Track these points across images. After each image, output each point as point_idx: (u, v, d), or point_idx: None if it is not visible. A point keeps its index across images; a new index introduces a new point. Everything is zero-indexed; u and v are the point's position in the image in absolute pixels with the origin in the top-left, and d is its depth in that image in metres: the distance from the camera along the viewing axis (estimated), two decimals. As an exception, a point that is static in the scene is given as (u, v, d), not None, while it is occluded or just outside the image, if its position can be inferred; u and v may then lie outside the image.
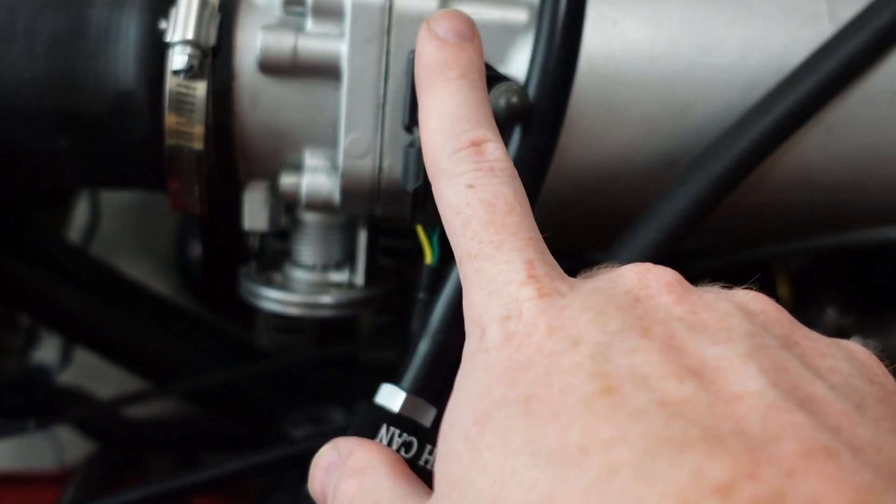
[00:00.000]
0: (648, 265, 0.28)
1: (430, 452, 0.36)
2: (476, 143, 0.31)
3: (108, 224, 1.17)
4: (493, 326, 0.27)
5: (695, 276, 0.52)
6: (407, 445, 0.36)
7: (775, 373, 0.23)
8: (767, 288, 0.60)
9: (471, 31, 0.34)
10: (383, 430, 0.36)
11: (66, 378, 1.03)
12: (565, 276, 0.28)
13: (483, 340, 0.27)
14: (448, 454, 0.26)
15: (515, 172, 0.31)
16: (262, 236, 0.71)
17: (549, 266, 0.28)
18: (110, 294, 0.66)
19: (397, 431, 0.37)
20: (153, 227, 1.30)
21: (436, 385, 0.38)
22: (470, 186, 0.29)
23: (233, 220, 0.52)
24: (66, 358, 1.01)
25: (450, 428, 0.26)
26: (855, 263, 0.63)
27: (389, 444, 0.36)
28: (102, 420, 0.75)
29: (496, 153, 0.31)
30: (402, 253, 0.69)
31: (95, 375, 1.03)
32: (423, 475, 0.36)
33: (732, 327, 0.25)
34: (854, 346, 0.27)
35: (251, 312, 0.89)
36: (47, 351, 1.05)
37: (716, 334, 0.25)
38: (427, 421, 0.37)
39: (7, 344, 0.97)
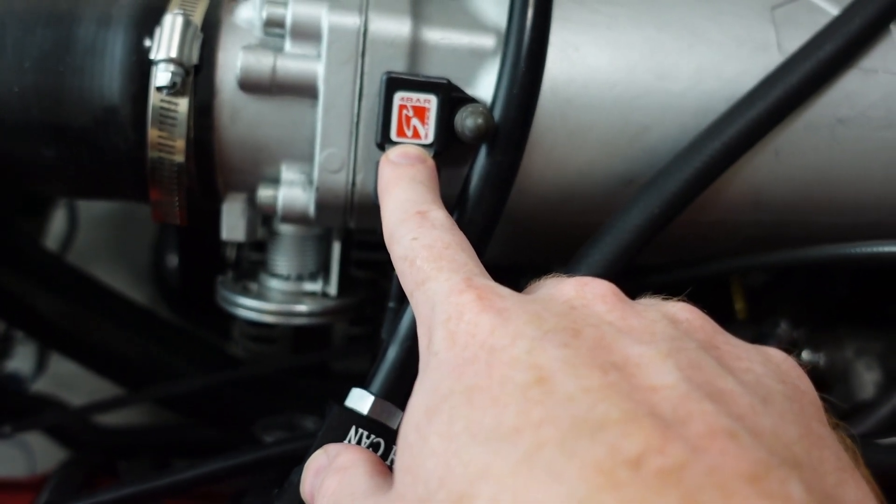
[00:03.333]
0: (587, 279, 0.31)
1: (396, 453, 0.38)
2: (421, 213, 0.36)
3: (85, 234, 1.18)
4: (438, 330, 0.29)
5: (652, 290, 0.54)
6: (375, 446, 0.38)
7: (690, 370, 0.26)
8: (725, 303, 0.63)
9: (419, 155, 0.41)
10: (352, 431, 0.38)
11: (40, 387, 1.03)
12: (505, 288, 0.31)
13: (431, 344, 0.30)
14: (403, 446, 0.28)
15: (457, 228, 0.36)
16: (239, 247, 0.73)
17: (486, 280, 0.31)
18: (87, 300, 0.67)
19: (365, 433, 0.38)
20: (129, 238, 1.31)
21: (403, 389, 0.40)
22: (414, 239, 0.35)
23: (210, 232, 0.54)
24: (40, 366, 1.02)
25: (405, 424, 0.29)
26: (810, 281, 0.66)
27: (358, 444, 0.38)
28: (76, 427, 0.76)
29: (437, 215, 0.36)
30: (373, 264, 0.71)
31: (69, 385, 1.04)
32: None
33: (656, 331, 0.28)
34: (773, 352, 0.30)
35: (226, 323, 0.91)
36: (21, 360, 1.05)
37: (641, 336, 0.28)
38: (394, 423, 0.39)
39: (-21, 351, 0.97)
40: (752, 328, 0.61)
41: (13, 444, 0.95)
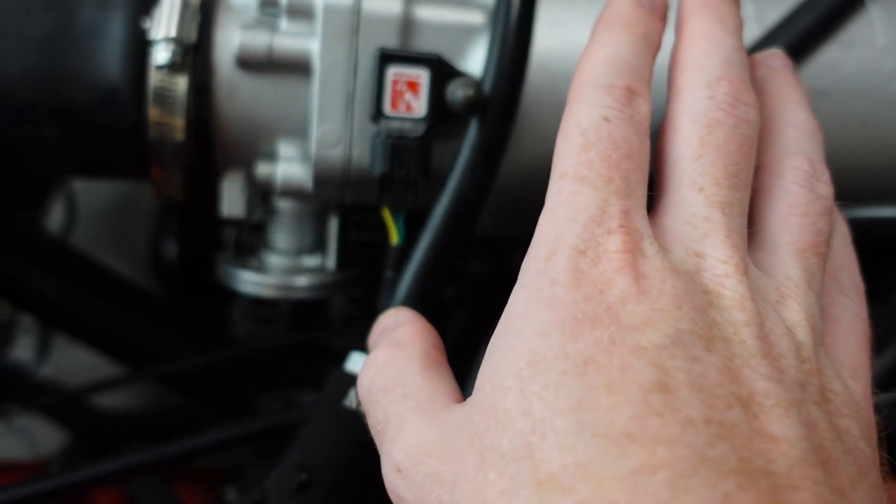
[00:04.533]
0: (739, 259, 0.28)
1: (395, 412, 0.40)
2: (630, 91, 0.30)
3: (83, 226, 1.19)
4: (563, 252, 0.27)
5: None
6: (373, 407, 0.40)
7: (808, 428, 0.25)
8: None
9: (662, 7, 0.35)
10: (352, 393, 0.40)
11: (43, 373, 1.05)
12: (654, 237, 0.28)
13: (548, 264, 0.27)
14: (494, 382, 0.26)
15: (648, 132, 0.31)
16: (240, 229, 0.74)
17: (643, 221, 0.28)
18: (88, 282, 0.69)
19: (365, 394, 0.40)
20: (128, 231, 1.32)
21: (400, 353, 0.42)
22: (605, 119, 0.29)
23: (210, 214, 0.55)
24: (43, 353, 1.03)
25: (501, 355, 0.26)
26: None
27: (358, 405, 0.40)
28: (77, 410, 0.77)
29: (643, 107, 0.31)
30: (371, 245, 0.73)
31: (71, 373, 1.05)
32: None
33: (785, 368, 0.26)
34: (862, 401, 0.29)
35: (225, 310, 0.92)
36: (23, 349, 1.07)
37: (769, 371, 0.26)
38: (392, 385, 0.41)
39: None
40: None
41: (15, 428, 0.96)
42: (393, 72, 0.43)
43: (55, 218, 1.19)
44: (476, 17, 0.46)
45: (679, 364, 0.24)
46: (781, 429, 0.24)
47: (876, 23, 0.50)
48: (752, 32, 0.48)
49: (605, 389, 0.24)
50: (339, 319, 0.73)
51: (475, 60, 0.46)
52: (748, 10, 0.48)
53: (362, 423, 0.39)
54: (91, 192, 1.11)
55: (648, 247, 0.27)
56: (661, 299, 0.26)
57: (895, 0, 0.51)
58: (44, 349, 1.03)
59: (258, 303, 0.70)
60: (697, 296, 0.26)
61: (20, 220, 0.70)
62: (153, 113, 0.45)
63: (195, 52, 0.45)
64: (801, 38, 0.47)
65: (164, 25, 0.43)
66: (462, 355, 0.65)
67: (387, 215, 0.45)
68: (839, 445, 0.26)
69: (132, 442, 0.78)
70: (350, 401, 0.40)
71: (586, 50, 0.33)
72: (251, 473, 0.59)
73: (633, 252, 0.27)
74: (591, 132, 0.29)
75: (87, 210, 1.18)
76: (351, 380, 0.40)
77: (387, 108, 0.43)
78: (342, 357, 0.77)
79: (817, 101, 0.49)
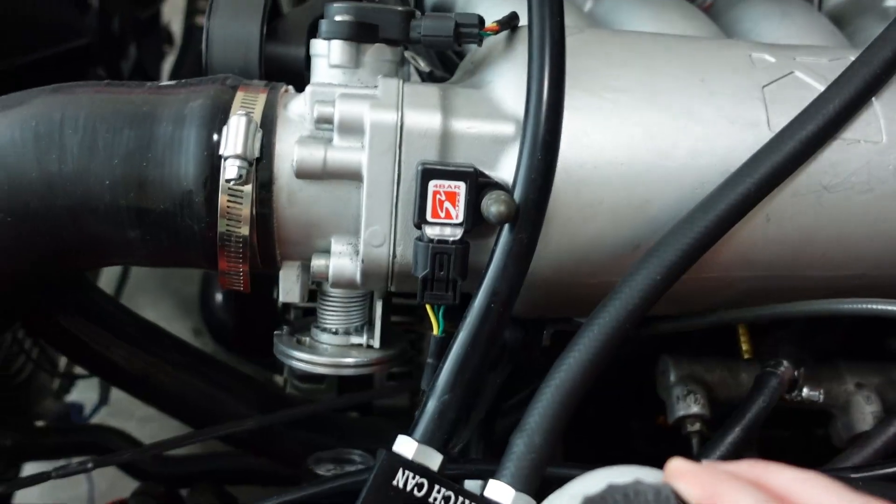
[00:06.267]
0: None
1: (438, 491, 0.45)
2: None
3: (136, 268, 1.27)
4: None
5: (662, 336, 0.60)
6: (419, 486, 0.45)
7: None
8: (730, 345, 0.68)
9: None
10: (399, 472, 0.45)
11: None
12: None
13: None
14: None
15: None
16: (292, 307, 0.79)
17: None
18: (151, 346, 0.75)
19: (411, 474, 0.45)
20: (177, 270, 1.39)
21: (441, 436, 0.47)
22: None
23: (260, 282, 0.61)
24: (103, 400, 1.10)
25: None
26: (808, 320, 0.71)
27: (405, 485, 0.45)
28: (145, 460, 0.83)
29: None
30: (408, 309, 0.78)
31: (123, 413, 1.13)
32: (432, 512, 0.45)
33: None
34: None
35: (270, 354, 0.98)
36: (81, 392, 1.14)
37: None
38: (434, 465, 0.46)
39: (47, 386, 1.06)
40: (755, 367, 0.67)
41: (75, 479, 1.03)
42: (434, 184, 0.48)
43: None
44: (507, 128, 0.51)
45: None
46: None
47: (881, 119, 0.54)
48: (764, 134, 0.52)
49: None
50: (382, 378, 0.78)
51: (506, 166, 0.51)
52: (759, 115, 0.53)
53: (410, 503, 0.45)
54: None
55: None
56: None
57: (897, 99, 0.55)
58: (104, 395, 1.10)
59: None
60: None
61: (90, 287, 0.76)
62: (222, 214, 0.51)
63: (258, 163, 0.51)
64: (806, 140, 0.51)
65: (231, 144, 0.49)
66: (495, 414, 0.70)
67: (429, 309, 0.50)
68: None
69: (189, 485, 0.84)
70: (398, 480, 0.45)
71: None
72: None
73: None
74: None
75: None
76: (398, 460, 0.45)
77: (429, 215, 0.48)
78: (383, 413, 0.82)
79: (823, 197, 0.53)
